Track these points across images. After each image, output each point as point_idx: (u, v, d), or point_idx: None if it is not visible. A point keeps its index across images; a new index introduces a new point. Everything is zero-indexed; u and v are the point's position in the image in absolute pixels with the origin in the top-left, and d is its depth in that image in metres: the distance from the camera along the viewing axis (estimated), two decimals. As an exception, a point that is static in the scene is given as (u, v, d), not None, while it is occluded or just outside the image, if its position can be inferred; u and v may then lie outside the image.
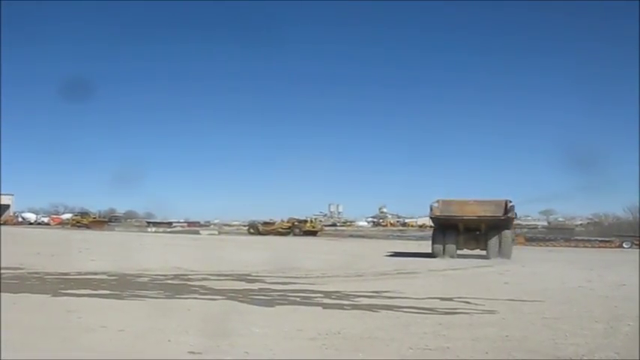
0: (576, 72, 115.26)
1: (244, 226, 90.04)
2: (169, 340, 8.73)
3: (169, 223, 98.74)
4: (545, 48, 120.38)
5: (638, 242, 48.57)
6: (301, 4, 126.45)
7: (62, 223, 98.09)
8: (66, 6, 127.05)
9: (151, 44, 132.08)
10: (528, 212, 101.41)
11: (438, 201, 32.22)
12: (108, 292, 14.34)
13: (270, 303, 13.00)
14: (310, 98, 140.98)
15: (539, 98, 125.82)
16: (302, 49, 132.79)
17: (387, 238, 64.19)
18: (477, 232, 31.52)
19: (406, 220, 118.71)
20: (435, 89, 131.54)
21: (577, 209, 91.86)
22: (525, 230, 70.24)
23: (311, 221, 79.43)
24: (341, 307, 12.64)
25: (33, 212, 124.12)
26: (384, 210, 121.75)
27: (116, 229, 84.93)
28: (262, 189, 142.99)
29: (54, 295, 13.57)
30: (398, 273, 21.77)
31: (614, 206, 78.16)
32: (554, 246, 51.93)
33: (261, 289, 15.43)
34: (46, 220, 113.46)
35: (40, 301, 12.78)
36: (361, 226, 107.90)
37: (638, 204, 66.07)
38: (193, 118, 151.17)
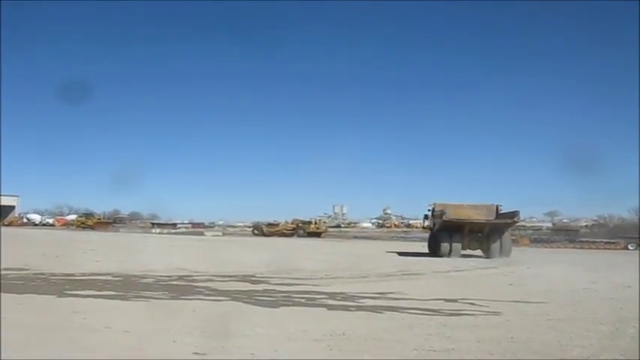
0: (577, 73, 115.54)
1: (248, 227, 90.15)
2: (174, 341, 8.73)
3: (174, 225, 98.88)
4: (546, 50, 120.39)
5: None
6: (302, 4, 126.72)
7: (67, 224, 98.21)
8: (66, 6, 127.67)
9: (154, 45, 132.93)
10: (533, 214, 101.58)
11: (434, 204, 35.33)
12: (113, 293, 14.34)
13: (274, 304, 12.99)
14: (315, 99, 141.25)
15: (541, 99, 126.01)
16: (305, 49, 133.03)
17: (391, 239, 64.12)
18: (480, 234, 33.43)
19: (410, 222, 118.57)
20: (436, 91, 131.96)
21: (582, 211, 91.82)
22: (530, 232, 70.04)
23: (315, 222, 79.40)
24: (345, 308, 12.63)
25: (38, 213, 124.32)
26: (389, 211, 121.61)
27: (121, 230, 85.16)
28: (266, 190, 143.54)
29: (59, 296, 13.59)
30: (402, 274, 21.74)
31: (619, 208, 78.09)
32: (559, 247, 51.94)
33: (265, 291, 15.42)
34: (51, 221, 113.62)
35: (45, 302, 12.80)
36: (365, 228, 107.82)
37: (638, 205, 66.15)
38: (197, 120, 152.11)
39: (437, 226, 34.41)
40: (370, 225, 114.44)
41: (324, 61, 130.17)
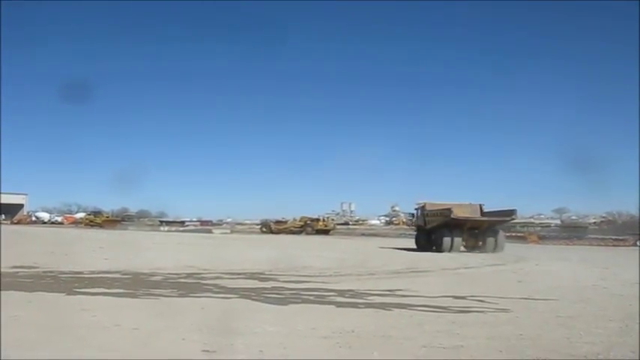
0: (577, 71, 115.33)
1: (257, 224, 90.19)
2: (183, 339, 8.75)
3: (182, 222, 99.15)
4: (546, 47, 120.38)
5: None
6: (303, 3, 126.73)
7: (75, 223, 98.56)
8: (67, 6, 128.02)
9: (160, 43, 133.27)
10: (541, 210, 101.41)
11: (425, 203, 38.77)
12: (122, 290, 14.39)
13: (283, 301, 13.00)
14: (322, 97, 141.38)
15: (548, 97, 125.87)
16: (308, 47, 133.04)
17: (399, 236, 64.00)
18: (476, 231, 36.21)
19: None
20: (442, 88, 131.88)
21: (590, 207, 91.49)
22: (538, 229, 69.85)
23: (323, 220, 79.36)
24: (354, 305, 12.63)
25: (46, 211, 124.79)
26: (397, 208, 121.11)
27: (129, 228, 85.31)
28: (274, 188, 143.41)
29: (68, 294, 13.63)
30: (410, 271, 21.74)
31: (628, 204, 77.86)
32: (568, 244, 51.77)
33: (274, 288, 15.45)
34: (59, 219, 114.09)
35: (55, 300, 12.85)
36: (373, 225, 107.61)
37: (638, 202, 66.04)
38: (205, 118, 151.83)
39: (435, 224, 36.70)
40: (378, 222, 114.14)
41: (329, 59, 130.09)
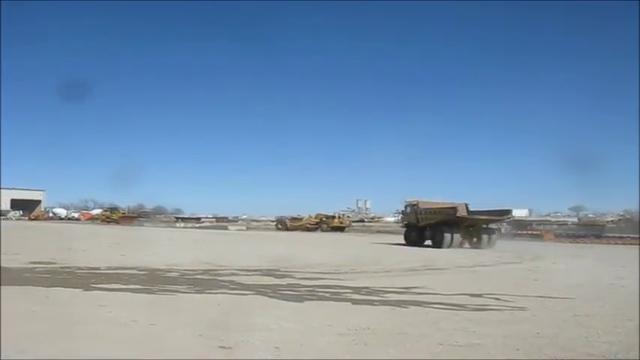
0: (577, 70, 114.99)
1: (272, 221, 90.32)
2: (200, 335, 8.77)
3: (198, 219, 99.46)
4: (547, 47, 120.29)
5: None
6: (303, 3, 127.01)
7: (92, 219, 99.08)
8: (67, 6, 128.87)
9: (172, 42, 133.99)
10: (558, 208, 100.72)
11: (417, 201, 41.38)
12: (138, 286, 14.44)
13: (299, 298, 13.00)
14: (337, 94, 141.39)
15: (545, 96, 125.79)
16: (315, 44, 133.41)
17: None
18: (471, 229, 38.71)
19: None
20: (441, 86, 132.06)
21: (608, 205, 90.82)
22: (555, 227, 69.41)
23: (339, 217, 79.36)
24: (370, 302, 12.61)
25: (63, 208, 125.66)
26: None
27: (145, 224, 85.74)
28: (290, 185, 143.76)
29: (85, 290, 13.69)
30: (426, 269, 21.70)
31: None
32: (585, 242, 51.47)
33: (290, 285, 15.45)
34: (76, 215, 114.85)
35: (72, 295, 12.90)
36: (389, 222, 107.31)
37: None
38: (222, 115, 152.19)
39: (433, 221, 38.96)
40: (394, 219, 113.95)
41: (342, 57, 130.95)
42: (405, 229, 43.08)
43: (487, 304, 12.55)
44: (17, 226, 66.71)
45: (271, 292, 13.78)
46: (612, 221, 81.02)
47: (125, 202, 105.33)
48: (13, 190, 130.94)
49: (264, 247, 35.26)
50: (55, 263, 19.76)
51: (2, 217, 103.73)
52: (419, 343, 8.60)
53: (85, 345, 8.12)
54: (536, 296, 13.98)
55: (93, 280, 15.43)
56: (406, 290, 14.65)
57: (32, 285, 14.27)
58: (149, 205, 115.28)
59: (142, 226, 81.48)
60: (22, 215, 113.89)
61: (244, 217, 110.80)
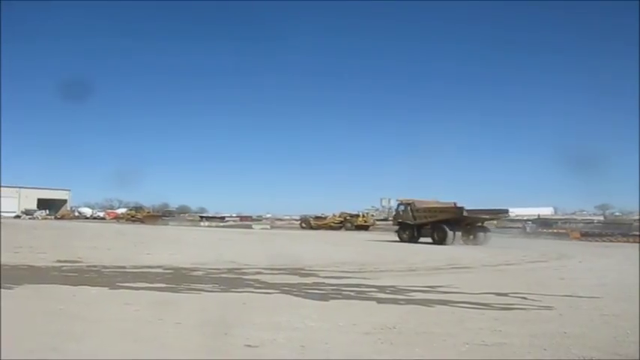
0: (577, 68, 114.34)
1: (296, 220, 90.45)
2: (226, 334, 8.79)
3: (222, 218, 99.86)
4: (548, 45, 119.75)
5: None
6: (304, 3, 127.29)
7: (117, 218, 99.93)
8: (67, 6, 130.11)
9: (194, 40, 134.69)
10: (584, 207, 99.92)
11: (413, 200, 43.46)
12: (164, 285, 14.51)
13: (324, 297, 12.99)
14: (359, 93, 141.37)
15: (545, 96, 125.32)
16: (325, 42, 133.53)
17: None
18: (469, 226, 40.84)
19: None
20: (444, 84, 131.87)
21: (635, 204, 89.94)
22: (581, 225, 68.75)
23: (363, 216, 79.27)
24: (395, 301, 12.57)
25: (89, 207, 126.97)
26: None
27: (170, 223, 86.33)
28: (314, 183, 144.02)
29: (112, 288, 13.79)
30: (451, 267, 21.60)
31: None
32: (611, 241, 50.93)
33: (314, 283, 15.46)
34: (101, 214, 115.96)
35: (99, 294, 12.99)
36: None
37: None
38: (248, 114, 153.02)
39: (433, 219, 40.72)
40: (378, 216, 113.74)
41: (357, 55, 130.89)
42: (398, 226, 45.00)
43: (513, 303, 12.46)
44: (43, 225, 67.44)
45: (296, 291, 13.79)
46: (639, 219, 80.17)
47: (149, 201, 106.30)
48: (39, 190, 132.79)
49: (289, 246, 35.34)
50: (81, 262, 19.93)
51: (29, 217, 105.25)
52: (445, 342, 8.56)
53: (112, 343, 8.20)
54: (563, 295, 13.86)
55: (119, 279, 15.54)
56: (431, 289, 14.58)
57: (59, 284, 14.41)
58: (173, 205, 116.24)
59: (167, 225, 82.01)
60: (48, 214, 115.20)
61: (268, 216, 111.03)
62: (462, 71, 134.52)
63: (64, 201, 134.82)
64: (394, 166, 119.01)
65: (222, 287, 14.42)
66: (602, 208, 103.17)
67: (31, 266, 18.23)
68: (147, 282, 15.01)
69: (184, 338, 8.62)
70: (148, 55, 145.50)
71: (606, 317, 10.95)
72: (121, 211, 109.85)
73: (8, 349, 7.60)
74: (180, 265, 19.35)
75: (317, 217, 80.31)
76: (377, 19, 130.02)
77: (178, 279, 15.86)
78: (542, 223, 67.86)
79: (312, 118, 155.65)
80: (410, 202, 43.60)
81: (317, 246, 36.23)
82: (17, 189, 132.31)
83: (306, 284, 15.22)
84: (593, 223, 76.94)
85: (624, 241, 50.22)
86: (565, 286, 15.78)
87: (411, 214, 42.73)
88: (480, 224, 41.82)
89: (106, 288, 13.83)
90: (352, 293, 13.71)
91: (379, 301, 12.62)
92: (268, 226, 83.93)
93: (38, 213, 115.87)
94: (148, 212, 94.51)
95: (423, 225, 41.49)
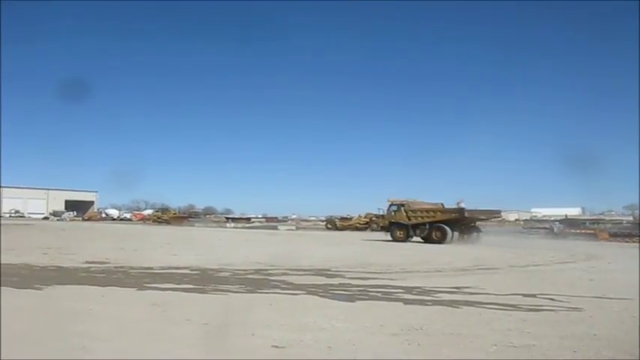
0: (577, 68, 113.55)
1: (322, 221, 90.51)
2: (253, 334, 8.81)
3: (248, 219, 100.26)
4: (548, 45, 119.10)
5: None
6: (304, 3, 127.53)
7: (144, 219, 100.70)
8: (68, 6, 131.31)
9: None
10: (612, 207, 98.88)
11: (405, 202, 44.85)
12: (191, 286, 14.57)
13: (350, 298, 12.96)
14: (385, 94, 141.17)
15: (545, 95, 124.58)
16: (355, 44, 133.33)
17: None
18: (462, 226, 42.95)
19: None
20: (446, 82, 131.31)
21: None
22: (609, 225, 67.97)
23: (389, 216, 78.94)
24: (422, 302, 12.51)
25: (116, 208, 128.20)
26: (462, 205, 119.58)
27: (196, 224, 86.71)
28: (340, 185, 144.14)
29: (139, 289, 13.89)
30: (478, 268, 21.45)
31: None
32: (641, 242, 50.26)
33: (341, 284, 15.43)
34: (128, 216, 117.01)
35: (127, 295, 13.10)
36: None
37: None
38: (272, 116, 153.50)
39: (431, 219, 42.55)
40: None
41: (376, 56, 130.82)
42: (389, 226, 45.92)
43: (541, 305, 12.33)
44: (72, 226, 68.08)
45: (323, 292, 13.78)
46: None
47: (176, 202, 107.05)
48: (66, 192, 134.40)
49: (315, 247, 35.33)
50: (108, 263, 20.12)
51: (57, 218, 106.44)
52: (473, 344, 8.50)
53: (140, 343, 8.26)
54: (592, 297, 13.70)
55: (146, 280, 15.65)
56: (458, 290, 14.50)
57: (88, 284, 14.55)
58: (199, 206, 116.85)
59: (193, 226, 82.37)
60: (75, 216, 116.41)
61: (294, 217, 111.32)
62: (468, 71, 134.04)
63: (91, 202, 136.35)
64: (422, 168, 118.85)
65: (248, 288, 14.45)
66: (631, 208, 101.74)
67: (60, 267, 18.45)
68: (174, 283, 15.10)
69: (211, 339, 8.68)
70: (158, 55, 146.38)
71: (637, 319, 10.77)
72: (148, 212, 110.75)
73: (38, 348, 7.70)
74: (207, 266, 19.44)
75: (342, 218, 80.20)
76: (377, 19, 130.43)
77: (205, 280, 15.93)
78: (570, 223, 67.27)
79: (338, 119, 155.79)
80: (403, 202, 45.08)
81: (342, 247, 36.19)
82: (46, 191, 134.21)
83: (332, 285, 15.21)
84: (622, 223, 76.03)
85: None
86: (594, 287, 15.59)
87: (405, 214, 44.09)
88: (472, 224, 44.13)
89: (134, 289, 13.94)
90: (379, 294, 13.67)
91: (406, 302, 12.58)
92: (294, 227, 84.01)
93: (66, 214, 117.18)
94: (174, 213, 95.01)
95: (417, 225, 43.12)
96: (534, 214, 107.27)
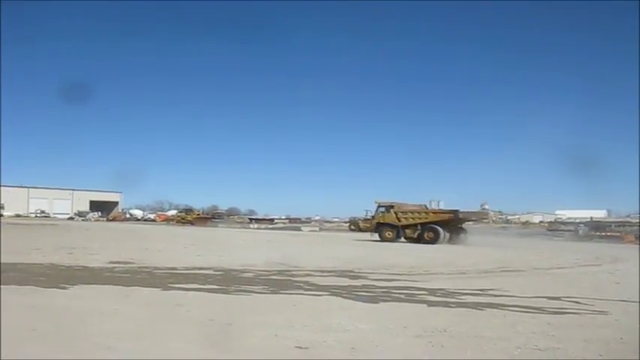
0: (577, 69, 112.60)
1: (345, 222, 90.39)
2: (276, 335, 8.84)
3: (271, 220, 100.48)
4: (548, 45, 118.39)
5: None
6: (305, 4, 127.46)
7: (167, 220, 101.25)
8: (68, 6, 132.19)
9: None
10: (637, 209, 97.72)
11: (393, 204, 46.19)
12: (214, 286, 14.62)
13: (374, 299, 12.94)
14: (386, 94, 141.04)
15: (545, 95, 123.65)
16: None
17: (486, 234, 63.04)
18: (452, 227, 43.93)
19: (509, 217, 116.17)
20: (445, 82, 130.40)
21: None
22: (635, 228, 67.21)
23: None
24: (446, 304, 12.46)
25: (140, 209, 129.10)
26: (486, 207, 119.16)
27: (219, 225, 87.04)
28: (362, 187, 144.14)
29: (163, 289, 13.95)
30: (502, 270, 21.33)
31: None
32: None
33: (364, 286, 15.40)
34: (152, 216, 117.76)
35: (151, 295, 13.16)
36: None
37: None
38: (296, 117, 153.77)
39: (423, 220, 43.67)
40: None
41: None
42: (377, 227, 46.64)
43: (566, 308, 12.24)
44: (96, 227, 68.71)
45: (346, 293, 13.78)
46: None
47: (200, 203, 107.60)
48: (91, 192, 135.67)
49: (338, 249, 35.32)
50: (133, 263, 20.25)
51: (82, 219, 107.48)
52: (496, 346, 8.46)
53: (165, 343, 8.32)
54: (618, 300, 13.57)
55: (170, 280, 15.72)
56: (482, 292, 14.43)
57: (112, 284, 14.66)
58: (223, 207, 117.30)
59: (216, 227, 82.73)
60: (100, 216, 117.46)
61: (317, 218, 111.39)
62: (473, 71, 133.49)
63: (116, 203, 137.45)
64: (446, 169, 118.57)
65: (272, 289, 14.48)
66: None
67: (85, 267, 18.61)
68: (198, 283, 15.16)
69: (234, 339, 8.70)
70: (158, 55, 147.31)
71: (664, 323, 10.68)
72: (172, 213, 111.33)
73: (64, 347, 7.79)
74: (231, 267, 19.50)
75: (366, 219, 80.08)
76: (377, 19, 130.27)
77: (229, 280, 15.98)
78: (595, 225, 66.68)
79: (360, 121, 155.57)
80: (391, 204, 46.29)
81: (365, 248, 36.13)
82: (70, 191, 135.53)
83: (355, 286, 15.19)
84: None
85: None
86: (620, 291, 15.43)
87: (394, 215, 45.10)
88: (460, 225, 45.42)
89: (159, 289, 14.01)
90: (402, 296, 13.64)
91: (429, 304, 12.54)
92: (317, 229, 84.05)
93: (91, 215, 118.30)
94: (198, 214, 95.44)
95: (408, 226, 44.23)
96: (559, 217, 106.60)
